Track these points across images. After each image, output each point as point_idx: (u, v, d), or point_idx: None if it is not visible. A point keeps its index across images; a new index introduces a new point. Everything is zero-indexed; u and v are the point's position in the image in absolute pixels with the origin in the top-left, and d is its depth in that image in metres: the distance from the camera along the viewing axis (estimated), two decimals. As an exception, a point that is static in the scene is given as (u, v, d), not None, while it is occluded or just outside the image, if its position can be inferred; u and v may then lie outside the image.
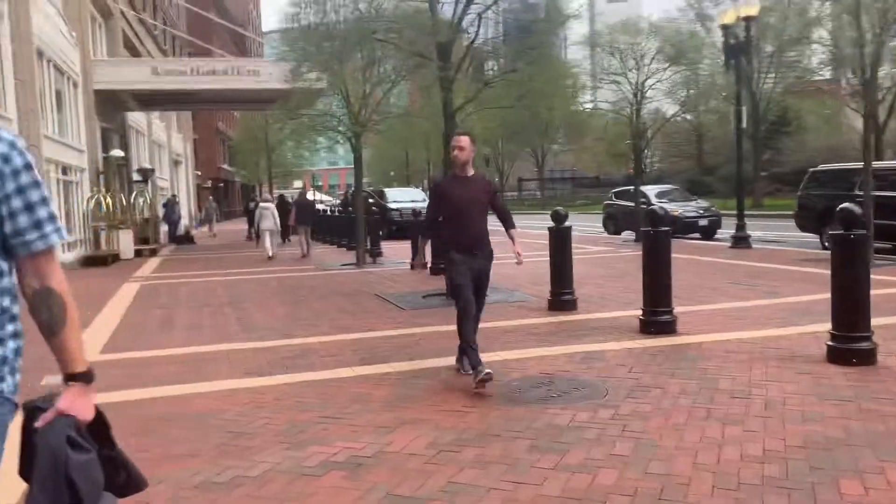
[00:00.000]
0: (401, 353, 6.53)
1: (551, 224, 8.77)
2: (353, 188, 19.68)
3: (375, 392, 5.21)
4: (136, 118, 29.43)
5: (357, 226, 15.85)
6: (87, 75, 19.77)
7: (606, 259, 14.83)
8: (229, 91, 23.34)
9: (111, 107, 23.78)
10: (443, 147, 10.07)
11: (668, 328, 6.88)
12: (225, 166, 64.28)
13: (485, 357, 5.49)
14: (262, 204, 19.44)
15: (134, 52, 28.45)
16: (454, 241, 5.47)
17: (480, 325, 7.09)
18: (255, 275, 14.33)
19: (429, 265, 13.89)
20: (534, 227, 28.83)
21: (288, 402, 5.05)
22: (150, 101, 26.04)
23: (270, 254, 17.73)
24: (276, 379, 5.74)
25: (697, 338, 6.67)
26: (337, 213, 24.84)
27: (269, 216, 18.25)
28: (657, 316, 6.89)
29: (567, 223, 8.74)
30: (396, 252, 17.68)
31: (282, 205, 23.56)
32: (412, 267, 13.24)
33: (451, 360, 6.05)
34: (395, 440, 4.15)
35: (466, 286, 5.36)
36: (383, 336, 7.39)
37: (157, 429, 4.56)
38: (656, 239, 6.83)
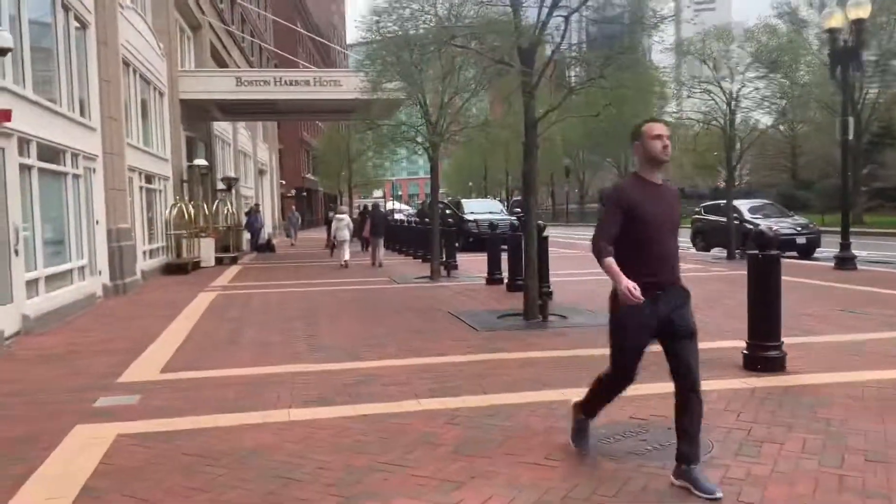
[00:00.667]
0: (473, 384, 5.97)
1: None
2: (429, 198, 19.42)
3: (443, 433, 4.66)
4: (222, 128, 30.03)
5: (432, 238, 15.42)
6: (173, 85, 20.15)
7: (698, 279, 13.87)
8: (311, 101, 23.42)
9: (196, 116, 24.23)
10: (523, 157, 9.48)
11: (777, 365, 6.08)
12: (308, 176, 65.44)
13: (568, 393, 4.88)
14: (337, 216, 20.00)
15: (221, 63, 29.05)
16: (639, 272, 3.64)
17: (560, 354, 6.48)
18: (330, 286, 14.08)
19: (504, 280, 13.32)
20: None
21: (346, 440, 4.57)
22: (234, 110, 26.44)
23: (344, 262, 18.39)
24: (336, 410, 5.28)
25: (811, 378, 5.84)
26: (412, 224, 24.55)
27: (343, 227, 18.81)
28: (764, 351, 6.09)
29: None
30: (472, 265, 17.18)
31: (362, 215, 23.74)
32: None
33: (531, 396, 5.46)
34: (464, 499, 3.59)
35: (637, 353, 3.82)
36: (455, 362, 6.85)
37: (204, 469, 4.13)
38: (765, 264, 6.04)
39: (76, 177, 11.44)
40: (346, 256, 18.66)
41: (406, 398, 5.54)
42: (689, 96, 19.48)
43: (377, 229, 19.29)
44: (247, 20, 38.29)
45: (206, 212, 21.91)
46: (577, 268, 16.51)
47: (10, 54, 8.79)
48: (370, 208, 21.62)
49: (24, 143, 9.24)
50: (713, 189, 50.45)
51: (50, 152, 10.31)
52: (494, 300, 11.40)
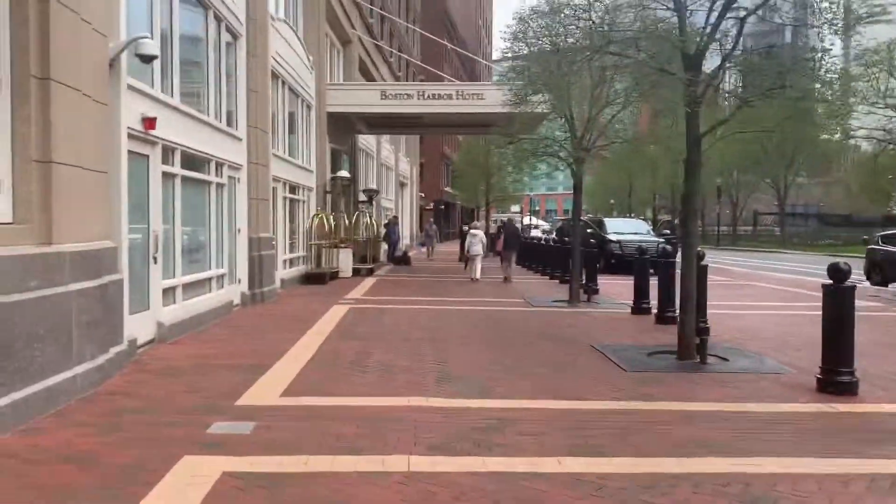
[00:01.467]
0: (623, 441, 5.09)
1: (827, 280, 6.82)
2: (569, 216, 18.60)
3: (588, 509, 3.85)
4: (366, 141, 30.53)
5: (573, 259, 14.50)
6: (321, 99, 20.50)
7: (880, 319, 12.11)
8: (453, 115, 23.14)
9: (342, 129, 24.63)
10: (685, 177, 8.45)
11: None
12: (448, 189, 65.93)
13: (741, 463, 3.94)
14: (472, 231, 20.44)
15: (368, 78, 29.54)
16: None
17: (726, 408, 5.49)
18: (462, 305, 13.50)
19: (652, 310, 12.20)
20: (776, 270, 25.51)
21: (472, 507, 3.86)
22: (379, 123, 26.71)
23: (474, 277, 19.14)
24: (463, 462, 4.59)
25: None
26: (551, 243, 23.63)
27: (477, 242, 19.46)
28: None
29: (849, 280, 6.73)
30: (613, 290, 16.06)
31: (498, 230, 23.98)
32: None
33: (694, 464, 4.53)
34: None
35: None
36: (600, 409, 5.98)
37: (306, 529, 3.57)
38: None
39: (220, 185, 11.56)
40: (478, 273, 19.32)
41: (544, 454, 4.76)
42: (868, 112, 17.40)
43: (509, 244, 19.64)
44: (395, 35, 38.96)
45: (347, 223, 22.12)
46: (733, 298, 15.01)
47: (159, 64, 8.88)
48: (505, 224, 21.82)
49: (168, 151, 9.32)
50: (884, 216, 45.89)
51: (194, 161, 10.41)
52: (642, 333, 10.35)
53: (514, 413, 5.80)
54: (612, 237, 23.33)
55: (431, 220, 31.66)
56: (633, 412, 5.89)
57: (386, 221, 30.74)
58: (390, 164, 38.79)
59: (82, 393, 6.05)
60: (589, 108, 13.85)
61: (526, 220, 70.19)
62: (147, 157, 8.60)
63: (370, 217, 24.90)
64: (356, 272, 21.02)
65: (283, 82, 16.57)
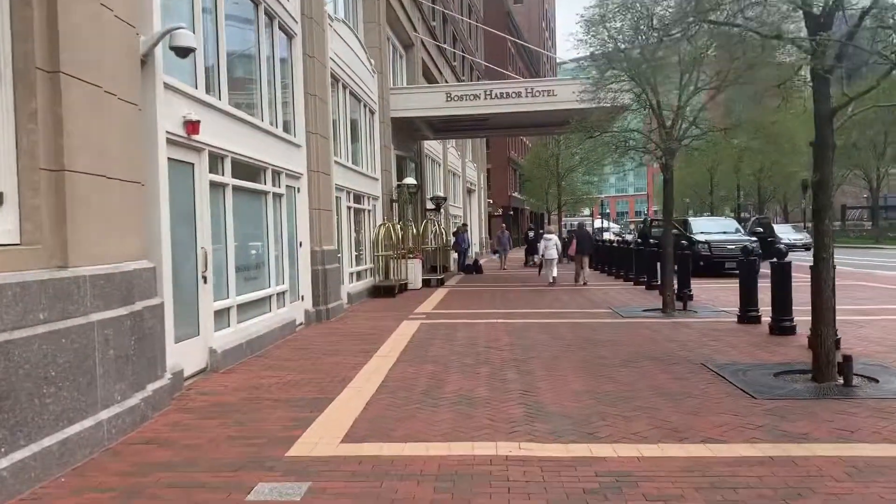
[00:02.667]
0: (789, 510, 3.81)
1: None
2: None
3: None
4: (432, 147, 29.60)
5: (665, 264, 13.08)
6: (384, 104, 19.64)
7: None
8: (522, 114, 21.91)
9: (407, 135, 23.75)
10: (814, 163, 7.04)
11: None
12: (515, 194, 64.58)
13: None
14: (545, 235, 20.82)
15: (431, 81, 28.63)
16: None
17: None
18: (543, 318, 12.26)
19: (760, 318, 10.72)
20: (882, 267, 23.11)
21: None
22: (445, 128, 25.72)
23: (552, 279, 19.48)
24: (577, 546, 3.41)
25: None
26: (632, 245, 22.07)
27: (552, 245, 19.81)
28: None
29: None
30: (709, 295, 14.51)
31: (570, 234, 23.60)
32: None
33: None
34: None
35: None
36: (739, 458, 4.68)
37: None
38: None
39: (277, 196, 10.69)
40: (555, 273, 19.64)
41: (686, 533, 3.53)
42: None
43: (582, 247, 20.12)
44: (458, 38, 38.02)
45: (415, 231, 21.16)
46: (849, 301, 13.26)
47: (202, 62, 8.02)
48: (576, 227, 21.84)
49: (217, 158, 8.46)
50: None
51: (248, 169, 9.55)
52: (758, 348, 8.91)
53: (632, 464, 4.57)
54: (700, 237, 21.60)
55: (504, 225, 30.15)
56: (785, 461, 4.58)
57: (455, 229, 29.70)
58: (457, 170, 37.79)
59: (110, 442, 5.13)
60: (681, 92, 12.46)
61: (597, 223, 68.12)
62: (192, 165, 7.74)
63: (439, 225, 23.87)
64: (426, 283, 20.02)
65: (344, 86, 15.71)
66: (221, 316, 8.48)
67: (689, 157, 41.10)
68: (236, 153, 8.91)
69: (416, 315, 13.19)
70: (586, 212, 67.52)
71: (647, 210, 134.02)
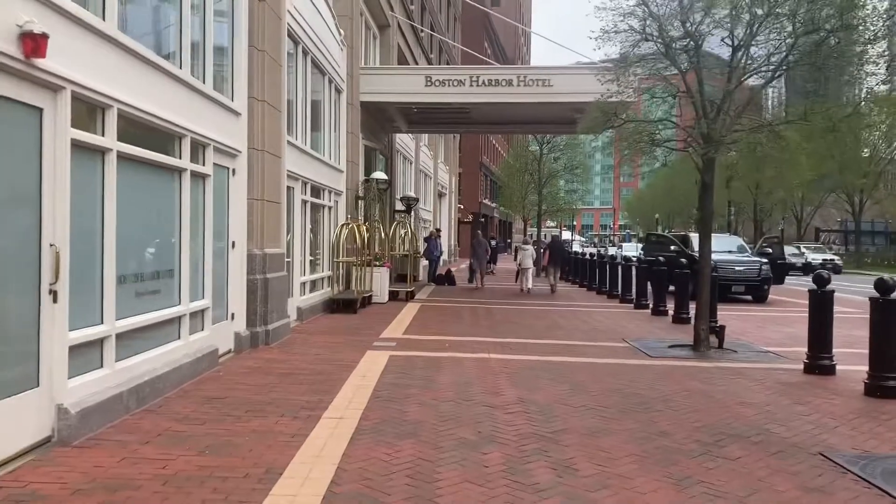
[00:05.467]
0: None
1: None
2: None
3: None
4: (404, 142, 26.70)
5: (701, 291, 10.45)
6: (353, 84, 16.72)
7: None
8: (512, 106, 19.07)
9: (378, 125, 20.84)
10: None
11: None
12: (486, 201, 61.94)
13: None
14: (522, 246, 21.78)
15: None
16: None
17: None
18: (547, 353, 9.45)
19: (834, 363, 8.04)
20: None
21: None
22: (421, 119, 22.85)
23: (527, 288, 20.71)
24: None
25: None
26: (622, 260, 19.49)
27: (528, 256, 20.92)
28: None
29: None
30: (728, 324, 11.58)
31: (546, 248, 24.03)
32: None
33: None
34: None
35: None
36: None
37: None
38: None
39: (199, 176, 7.71)
40: (530, 284, 20.88)
41: None
42: None
43: (555, 258, 21.92)
44: (436, 29, 35.23)
45: (383, 235, 18.24)
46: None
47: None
48: (550, 240, 23.86)
49: (93, 109, 5.49)
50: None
51: (151, 134, 6.58)
52: (869, 417, 6.23)
53: None
54: (705, 256, 19.04)
55: (480, 232, 26.79)
56: None
57: (426, 235, 26.83)
58: (429, 170, 34.92)
59: None
60: (728, 76, 9.86)
61: (566, 235, 65.81)
62: (38, 110, 4.76)
63: (410, 228, 20.94)
64: (393, 295, 17.11)
65: (305, 51, 12.75)
66: (89, 351, 5.48)
67: (673, 166, 39.02)
68: (130, 105, 5.93)
69: (384, 342, 10.30)
70: (550, 223, 65.04)
71: (613, 224, 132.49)
